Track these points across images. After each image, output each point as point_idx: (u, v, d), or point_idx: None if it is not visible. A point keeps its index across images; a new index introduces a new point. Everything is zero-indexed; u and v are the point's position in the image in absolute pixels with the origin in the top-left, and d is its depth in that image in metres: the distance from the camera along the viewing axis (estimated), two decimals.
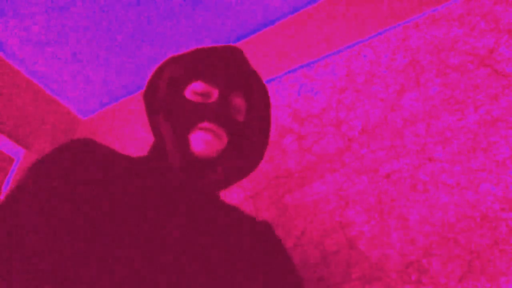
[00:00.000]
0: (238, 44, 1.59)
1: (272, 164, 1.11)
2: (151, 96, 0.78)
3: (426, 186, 0.85)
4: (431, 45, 1.04)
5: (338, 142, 1.04)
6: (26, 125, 1.73)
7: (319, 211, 0.95)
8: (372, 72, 1.10)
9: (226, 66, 0.75)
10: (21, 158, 1.72)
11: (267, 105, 0.81)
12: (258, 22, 1.55)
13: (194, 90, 0.73)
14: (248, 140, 0.76)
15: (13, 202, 0.56)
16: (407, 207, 0.85)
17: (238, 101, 0.75)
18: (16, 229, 0.53)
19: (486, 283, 0.70)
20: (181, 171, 0.67)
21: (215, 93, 0.73)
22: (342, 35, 1.27)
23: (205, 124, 0.69)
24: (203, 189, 0.69)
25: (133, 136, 1.65)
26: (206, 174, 0.69)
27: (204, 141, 0.68)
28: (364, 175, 0.94)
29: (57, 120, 1.86)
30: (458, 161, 0.84)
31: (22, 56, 1.68)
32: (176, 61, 0.78)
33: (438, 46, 1.02)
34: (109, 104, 1.91)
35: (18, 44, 1.63)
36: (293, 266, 0.72)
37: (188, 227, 0.60)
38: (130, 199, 0.59)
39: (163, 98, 0.74)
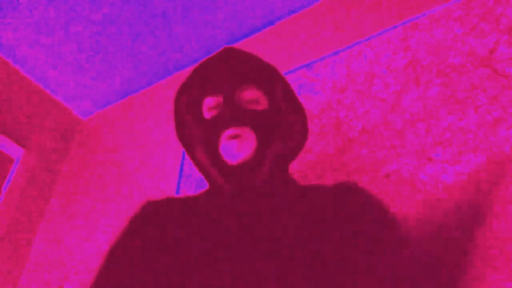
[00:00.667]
0: (238, 44, 1.59)
1: None
2: (182, 133, 0.79)
3: (426, 186, 0.85)
4: (431, 45, 1.04)
5: (338, 142, 1.04)
6: (26, 125, 1.73)
7: None
8: (372, 72, 1.10)
9: (222, 70, 0.76)
10: (21, 158, 1.72)
11: (283, 82, 0.79)
12: (258, 22, 1.55)
13: (208, 107, 0.75)
14: (284, 121, 0.76)
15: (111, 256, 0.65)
16: (407, 207, 0.85)
17: (249, 93, 0.74)
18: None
19: (486, 283, 0.70)
20: (229, 187, 0.68)
21: (221, 100, 0.74)
22: (342, 35, 1.27)
23: (224, 133, 0.69)
24: (257, 192, 0.68)
25: (133, 136, 1.65)
26: (253, 175, 0.68)
27: (229, 150, 0.68)
28: (364, 175, 0.94)
29: (57, 120, 1.86)
30: (458, 161, 0.84)
31: (22, 56, 1.68)
32: (184, 91, 0.79)
33: (438, 46, 1.02)
34: (109, 104, 1.91)
35: (18, 44, 1.63)
36: (388, 221, 0.65)
37: (267, 240, 0.59)
38: (202, 236, 0.61)
39: (190, 129, 0.77)
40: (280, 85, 0.79)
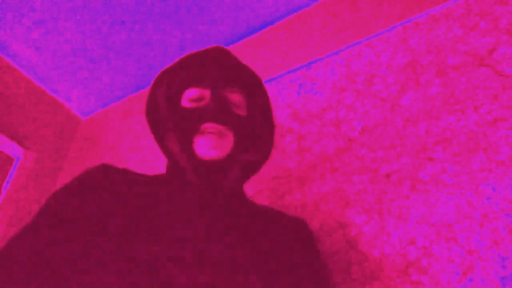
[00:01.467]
0: (238, 44, 1.59)
1: (272, 164, 1.11)
2: (153, 116, 0.77)
3: (426, 186, 0.85)
4: (431, 45, 1.04)
5: (338, 142, 1.04)
6: (26, 125, 1.73)
7: (319, 211, 0.95)
8: (372, 72, 1.10)
9: (213, 65, 0.75)
10: (21, 158, 1.72)
11: (265, 95, 0.80)
12: (258, 22, 1.55)
13: (189, 97, 0.73)
14: (255, 132, 0.76)
15: (37, 222, 0.59)
16: (407, 207, 0.85)
17: (235, 96, 0.74)
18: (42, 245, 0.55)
19: (486, 283, 0.70)
20: (196, 181, 0.67)
21: (208, 94, 0.73)
22: (342, 35, 1.27)
23: (205, 126, 0.68)
24: (224, 192, 0.68)
25: (133, 136, 1.65)
26: (222, 175, 0.68)
27: (206, 144, 0.67)
28: (364, 175, 0.94)
29: (57, 120, 1.86)
30: (458, 161, 0.84)
31: (22, 56, 1.68)
32: (167, 74, 0.78)
33: (438, 46, 1.02)
34: (109, 104, 1.91)
35: (18, 44, 1.63)
36: (321, 262, 0.72)
37: (217, 235, 0.60)
38: (153, 218, 0.59)
39: (164, 114, 0.75)
40: (261, 97, 0.80)
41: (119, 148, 1.65)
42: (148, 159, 1.50)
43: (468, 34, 0.99)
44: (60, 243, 0.55)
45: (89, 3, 1.49)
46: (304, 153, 1.07)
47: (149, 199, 0.63)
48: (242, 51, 1.55)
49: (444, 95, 0.94)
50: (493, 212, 0.76)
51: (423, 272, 0.76)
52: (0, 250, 0.56)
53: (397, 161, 0.92)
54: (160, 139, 0.75)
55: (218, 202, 0.66)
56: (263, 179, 1.10)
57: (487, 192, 0.78)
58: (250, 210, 0.71)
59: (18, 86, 1.71)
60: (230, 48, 1.61)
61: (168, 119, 0.73)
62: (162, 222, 0.59)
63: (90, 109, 1.93)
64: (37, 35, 1.59)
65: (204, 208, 0.64)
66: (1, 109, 1.64)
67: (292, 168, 1.07)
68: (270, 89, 1.29)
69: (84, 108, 1.93)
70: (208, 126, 0.68)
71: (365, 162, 0.96)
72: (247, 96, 0.78)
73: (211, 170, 0.67)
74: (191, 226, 0.60)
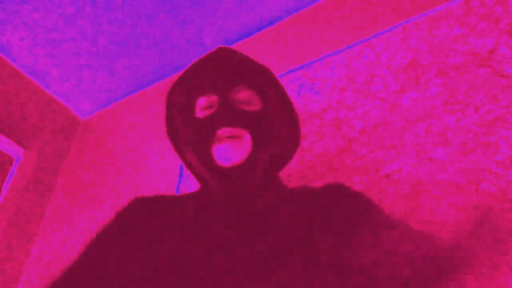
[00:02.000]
0: (238, 44, 1.59)
1: None
2: (172, 133, 0.78)
3: (426, 186, 0.85)
4: (431, 45, 1.04)
5: (338, 142, 1.04)
6: (26, 125, 1.73)
7: None
8: (372, 72, 1.10)
9: (215, 69, 0.75)
10: (21, 158, 1.72)
11: (276, 84, 0.78)
12: (258, 22, 1.55)
13: (200, 107, 0.73)
14: (274, 124, 0.74)
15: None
16: (407, 207, 0.85)
17: (244, 94, 0.73)
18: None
19: (486, 283, 0.70)
20: (222, 190, 0.67)
21: (215, 100, 0.72)
22: (342, 35, 1.27)
23: (220, 132, 0.67)
24: (254, 194, 0.68)
25: (133, 136, 1.65)
26: (247, 178, 0.67)
27: (224, 152, 0.66)
28: (364, 175, 0.94)
29: (57, 120, 1.86)
30: (458, 161, 0.84)
31: (22, 56, 1.68)
32: (176, 90, 0.78)
33: (438, 46, 1.02)
34: (109, 104, 1.91)
35: (18, 44, 1.63)
36: (378, 209, 0.66)
37: (247, 241, 0.60)
38: (191, 237, 0.61)
39: (180, 129, 0.75)
40: (273, 88, 0.78)
41: (119, 148, 1.65)
42: (148, 159, 1.50)
43: (468, 34, 0.99)
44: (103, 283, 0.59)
45: (89, 4, 1.48)
46: (304, 153, 1.07)
47: (182, 220, 0.65)
48: (242, 51, 1.55)
49: (444, 95, 0.94)
50: (493, 212, 0.76)
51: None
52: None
53: (397, 161, 0.92)
54: (182, 154, 0.76)
55: (247, 205, 0.66)
56: None
57: (487, 192, 0.78)
58: (286, 201, 0.69)
59: (18, 86, 1.71)
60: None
61: (184, 133, 0.74)
62: (196, 239, 0.60)
63: (90, 109, 1.93)
64: (37, 35, 1.59)
65: (232, 219, 0.64)
66: (1, 109, 1.64)
67: (292, 168, 1.07)
68: None
69: (84, 108, 1.93)
70: (223, 131, 0.67)
71: (365, 162, 0.96)
72: (258, 90, 0.76)
73: (235, 175, 0.66)
74: (221, 240, 0.60)
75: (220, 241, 0.60)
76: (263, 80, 0.78)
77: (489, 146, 0.82)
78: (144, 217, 0.68)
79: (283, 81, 1.28)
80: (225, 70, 0.75)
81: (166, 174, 1.39)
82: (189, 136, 0.72)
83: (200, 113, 0.73)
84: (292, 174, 1.06)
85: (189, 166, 0.75)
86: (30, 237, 1.59)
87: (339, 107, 1.10)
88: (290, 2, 1.47)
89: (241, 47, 1.57)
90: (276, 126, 0.74)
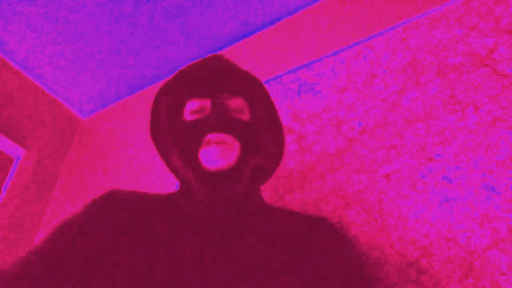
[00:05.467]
0: (238, 44, 1.59)
1: None
2: (157, 134, 0.76)
3: (426, 186, 0.85)
4: (431, 45, 1.04)
5: (338, 142, 1.04)
6: (26, 125, 1.73)
7: (319, 211, 0.95)
8: (372, 72, 1.10)
9: (210, 74, 0.74)
10: (21, 158, 1.72)
11: (267, 97, 0.78)
12: (258, 22, 1.54)
13: (190, 110, 0.72)
14: (261, 135, 0.74)
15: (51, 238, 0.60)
16: (407, 207, 0.85)
17: (235, 102, 0.73)
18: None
19: (486, 283, 0.70)
20: (205, 194, 0.65)
21: (208, 104, 0.72)
22: (342, 35, 1.27)
23: (209, 137, 0.67)
24: (236, 202, 0.66)
25: (133, 136, 1.65)
26: (232, 185, 0.65)
27: (212, 155, 0.65)
28: (364, 175, 0.94)
29: (57, 120, 1.85)
30: (458, 161, 0.84)
31: (22, 56, 1.68)
32: (165, 91, 0.77)
33: (438, 46, 1.02)
34: (109, 104, 1.91)
35: (18, 44, 1.63)
36: (358, 258, 0.67)
37: (229, 248, 0.59)
38: (166, 240, 0.59)
39: (167, 131, 0.74)
40: (264, 100, 0.78)
41: (119, 148, 1.65)
42: (148, 159, 1.50)
43: (468, 34, 0.99)
44: (64, 270, 0.55)
45: (90, 4, 1.48)
46: (304, 153, 1.07)
47: (158, 221, 0.63)
48: (242, 51, 1.55)
49: (444, 95, 0.94)
50: (493, 212, 0.76)
51: (423, 272, 0.76)
52: (5, 271, 0.56)
53: (397, 161, 0.92)
54: (166, 157, 0.74)
55: (230, 214, 0.65)
56: None
57: (487, 192, 0.78)
58: (267, 216, 0.69)
59: (18, 86, 1.71)
60: (231, 48, 1.61)
61: (171, 135, 0.72)
62: (172, 243, 0.58)
63: (90, 109, 1.93)
64: (37, 35, 1.59)
65: (214, 224, 0.62)
66: (1, 109, 1.64)
67: (292, 168, 1.07)
68: (270, 89, 1.29)
69: (84, 108, 1.93)
70: (212, 136, 0.67)
71: (365, 162, 0.96)
72: (249, 100, 0.77)
73: (220, 181, 0.65)
74: (202, 244, 0.59)
75: (196, 247, 0.58)
76: (255, 92, 0.78)
77: (489, 146, 0.82)
78: (118, 212, 0.65)
79: (283, 81, 1.28)
80: (220, 76, 0.74)
81: (166, 174, 1.39)
82: (176, 137, 0.71)
83: (189, 116, 0.72)
84: (292, 174, 1.06)
85: (173, 169, 0.73)
86: (30, 237, 1.59)
87: (339, 107, 1.10)
88: (290, 2, 1.47)
89: (241, 47, 1.57)
90: (264, 138, 0.75)
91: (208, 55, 0.78)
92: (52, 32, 1.58)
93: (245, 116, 0.73)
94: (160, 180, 1.39)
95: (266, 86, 0.69)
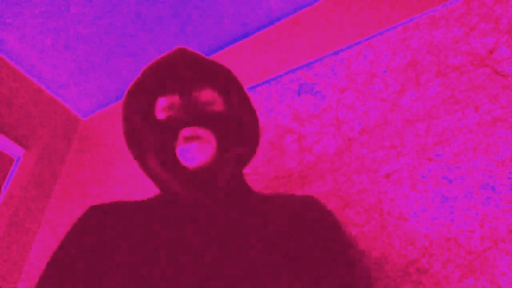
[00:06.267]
0: (238, 44, 1.59)
1: (272, 164, 1.11)
2: (131, 138, 0.73)
3: (426, 186, 0.85)
4: (431, 45, 1.04)
5: (338, 142, 1.04)
6: (26, 125, 1.73)
7: None
8: (372, 72, 1.10)
9: (175, 69, 0.72)
10: (21, 158, 1.72)
11: (237, 85, 0.77)
12: (258, 22, 1.54)
13: (160, 108, 0.70)
14: (236, 125, 0.72)
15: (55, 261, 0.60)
16: (407, 207, 0.85)
17: (206, 94, 0.71)
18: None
19: (486, 283, 0.70)
20: (186, 193, 0.63)
21: (177, 100, 0.70)
22: (342, 35, 1.27)
23: (183, 133, 0.65)
24: (220, 197, 0.65)
25: None
26: (213, 179, 0.64)
27: (189, 152, 0.64)
28: (364, 175, 0.94)
29: (57, 120, 1.85)
30: (458, 161, 0.84)
31: (22, 56, 1.68)
32: (134, 92, 0.74)
33: (438, 46, 1.02)
34: (109, 104, 1.91)
35: (18, 44, 1.63)
36: (343, 241, 0.67)
37: (223, 243, 0.58)
38: (152, 245, 0.58)
39: (140, 132, 0.71)
40: (235, 89, 0.77)
41: (119, 148, 1.65)
42: None
43: (468, 34, 0.99)
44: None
45: (90, 4, 1.48)
46: (304, 153, 1.07)
47: (142, 227, 0.62)
48: (242, 51, 1.55)
49: (444, 95, 0.94)
50: (493, 212, 0.76)
51: (423, 272, 0.76)
52: None
53: (397, 161, 0.92)
54: (143, 162, 0.71)
55: (216, 212, 0.63)
56: (263, 179, 1.10)
57: (487, 192, 0.78)
58: (256, 208, 0.67)
59: (18, 86, 1.71)
60: (230, 48, 1.61)
61: (147, 137, 0.69)
62: (159, 247, 0.58)
63: (90, 109, 1.93)
64: (37, 35, 1.59)
65: (202, 224, 0.61)
66: (1, 109, 1.64)
67: (292, 168, 1.07)
68: (270, 89, 1.29)
69: (84, 108, 1.93)
70: (186, 132, 0.65)
71: (365, 162, 0.96)
72: (220, 91, 0.74)
73: (201, 179, 0.63)
74: (193, 245, 0.58)
75: (188, 249, 0.57)
76: (224, 81, 0.76)
77: (489, 146, 0.82)
78: (102, 227, 0.64)
79: (283, 81, 1.28)
80: (187, 70, 0.72)
81: None
82: (150, 139, 0.68)
83: (160, 114, 0.70)
84: (292, 174, 1.06)
85: (150, 172, 0.70)
86: (30, 237, 1.59)
87: (339, 107, 1.10)
88: (290, 2, 1.47)
89: (241, 47, 1.57)
90: (239, 126, 0.72)
91: (172, 49, 0.75)
92: (52, 32, 1.58)
93: (218, 107, 0.71)
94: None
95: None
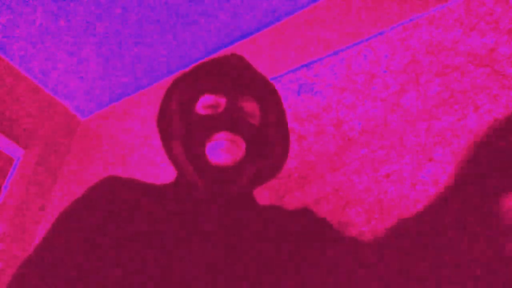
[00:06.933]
0: (238, 44, 1.59)
1: None
2: (164, 123, 0.76)
3: (426, 186, 0.85)
4: (431, 45, 1.04)
5: (338, 142, 1.04)
6: (26, 125, 1.73)
7: (319, 211, 0.95)
8: (372, 72, 1.10)
9: (229, 73, 0.75)
10: (21, 158, 1.72)
11: (279, 104, 0.79)
12: (258, 22, 1.54)
13: (204, 104, 0.73)
14: (268, 141, 0.75)
15: (51, 239, 0.59)
16: (407, 207, 0.85)
17: (249, 105, 0.74)
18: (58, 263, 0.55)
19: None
20: (204, 187, 0.66)
21: (223, 102, 0.72)
22: (342, 35, 1.27)
23: (220, 135, 0.68)
24: (231, 199, 0.68)
25: (133, 136, 1.65)
26: (230, 182, 0.67)
27: (219, 150, 0.67)
28: (364, 175, 0.94)
29: (57, 120, 1.85)
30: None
31: (22, 56, 1.68)
32: (181, 81, 0.77)
33: (438, 46, 1.02)
34: (109, 104, 1.91)
35: (18, 44, 1.63)
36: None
37: (225, 242, 0.61)
38: (162, 230, 0.60)
39: (176, 120, 0.74)
40: (276, 107, 0.79)
41: (119, 148, 1.65)
42: (148, 159, 1.50)
43: (468, 34, 0.99)
44: (73, 258, 0.55)
45: (89, 4, 1.48)
46: (304, 153, 1.07)
47: (156, 211, 0.63)
48: (242, 51, 1.55)
49: (444, 95, 0.94)
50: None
51: None
52: (17, 271, 0.56)
53: (397, 161, 0.92)
54: (168, 147, 0.74)
55: (227, 211, 0.66)
56: None
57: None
58: (258, 215, 0.71)
59: (18, 86, 1.71)
60: (231, 48, 1.61)
61: (180, 125, 0.73)
62: (168, 233, 0.59)
63: (90, 109, 1.93)
64: (37, 35, 1.59)
65: (210, 217, 0.64)
66: (1, 109, 1.64)
67: (292, 168, 1.07)
68: None
69: (84, 108, 1.93)
70: (222, 135, 0.68)
71: (365, 162, 0.96)
72: (262, 106, 0.78)
73: (220, 177, 0.66)
74: (197, 235, 0.60)
75: (199, 240, 0.59)
76: (267, 96, 0.79)
77: None
78: (117, 199, 0.64)
79: (283, 81, 1.28)
80: (239, 76, 0.75)
81: (166, 174, 1.39)
82: (182, 128, 0.72)
83: (201, 110, 0.73)
84: (292, 174, 1.06)
85: (173, 158, 0.73)
86: (30, 237, 1.59)
87: (339, 107, 1.10)
88: (290, 2, 1.47)
89: (241, 47, 1.57)
90: (270, 144, 0.76)
91: (230, 53, 0.78)
92: (52, 32, 1.58)
93: (256, 120, 0.75)
94: (159, 180, 1.39)
95: (279, 94, 0.70)
